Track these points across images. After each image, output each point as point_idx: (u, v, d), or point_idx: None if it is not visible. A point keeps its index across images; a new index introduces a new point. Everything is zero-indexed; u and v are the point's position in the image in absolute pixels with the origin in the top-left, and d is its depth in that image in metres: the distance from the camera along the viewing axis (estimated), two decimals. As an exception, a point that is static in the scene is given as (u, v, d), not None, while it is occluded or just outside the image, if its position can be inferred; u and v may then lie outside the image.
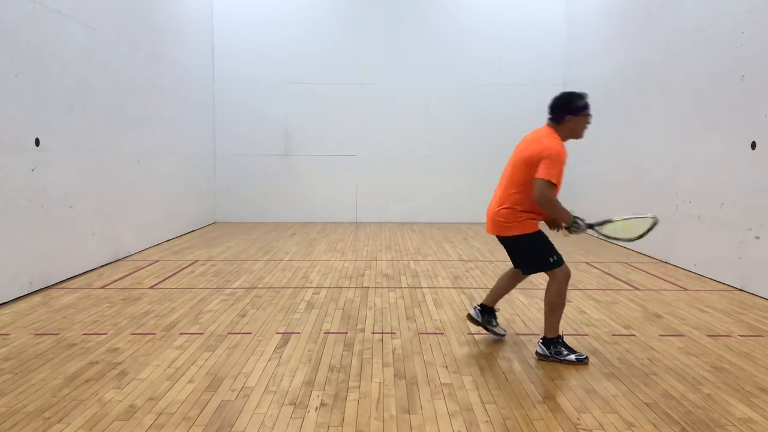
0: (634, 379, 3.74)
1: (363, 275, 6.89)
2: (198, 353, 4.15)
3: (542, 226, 4.18)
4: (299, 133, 12.06)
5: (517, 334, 4.63)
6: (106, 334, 4.58)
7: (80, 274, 6.70)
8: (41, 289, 5.94)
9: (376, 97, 12.01)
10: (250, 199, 12.09)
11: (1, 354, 4.11)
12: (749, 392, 3.54)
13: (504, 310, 5.27)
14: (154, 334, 4.60)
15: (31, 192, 5.81)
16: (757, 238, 5.96)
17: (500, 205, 4.07)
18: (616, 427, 3.08)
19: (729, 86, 6.45)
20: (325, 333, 4.66)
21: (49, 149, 6.10)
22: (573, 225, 3.90)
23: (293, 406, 3.32)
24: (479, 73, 11.96)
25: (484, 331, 4.54)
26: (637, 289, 6.27)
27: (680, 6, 7.58)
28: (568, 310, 5.35)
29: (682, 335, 4.66)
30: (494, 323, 4.47)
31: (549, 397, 3.46)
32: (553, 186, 3.81)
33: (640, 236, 3.94)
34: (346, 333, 4.66)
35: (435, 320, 5.04)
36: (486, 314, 4.45)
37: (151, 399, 3.38)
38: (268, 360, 4.04)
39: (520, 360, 4.08)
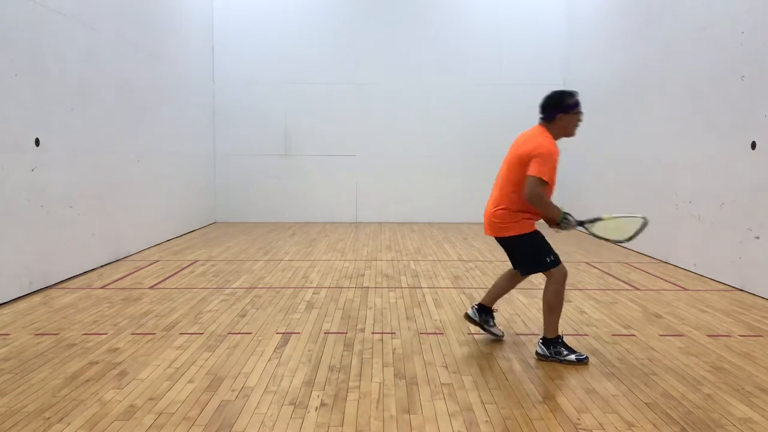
0: (634, 379, 3.74)
1: (363, 275, 6.89)
2: (198, 353, 4.15)
3: (542, 226, 4.18)
4: (299, 133, 12.06)
5: (517, 334, 4.63)
6: (106, 334, 4.58)
7: (80, 274, 6.70)
8: (41, 289, 5.95)
9: (376, 97, 12.01)
10: (250, 199, 12.09)
11: (1, 354, 4.11)
12: (749, 392, 3.54)
13: (504, 310, 5.27)
14: (154, 334, 4.60)
15: (31, 192, 5.81)
16: (757, 238, 5.96)
17: (496, 206, 4.09)
18: (616, 427, 3.08)
19: (729, 86, 6.45)
20: (325, 333, 4.66)
21: (49, 149, 6.10)
22: (563, 221, 3.94)
23: (293, 406, 3.32)
24: (479, 73, 11.96)
25: (484, 331, 4.54)
26: (637, 289, 6.27)
27: (680, 6, 7.58)
28: (568, 310, 5.35)
29: (682, 335, 4.66)
30: (491, 323, 4.47)
31: (549, 397, 3.46)
32: (545, 184, 3.83)
33: (630, 238, 3.97)
34: (346, 333, 4.66)
35: (435, 320, 5.04)
36: (483, 314, 4.45)
37: (151, 399, 3.38)
38: (268, 360, 4.04)
39: (520, 360, 4.08)
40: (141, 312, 5.22)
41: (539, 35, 11.90)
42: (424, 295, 5.92)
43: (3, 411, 3.21)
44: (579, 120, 4.05)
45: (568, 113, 4.00)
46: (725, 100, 6.53)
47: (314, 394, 3.48)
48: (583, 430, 3.06)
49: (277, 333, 4.65)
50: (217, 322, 4.94)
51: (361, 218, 12.27)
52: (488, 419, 3.17)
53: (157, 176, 8.95)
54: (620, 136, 9.29)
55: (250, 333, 4.64)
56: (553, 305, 4.04)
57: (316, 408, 3.29)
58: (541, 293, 5.99)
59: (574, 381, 3.71)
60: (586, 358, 4.03)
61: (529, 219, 4.05)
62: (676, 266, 7.43)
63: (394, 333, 4.67)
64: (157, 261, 7.66)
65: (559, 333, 4.10)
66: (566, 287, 6.29)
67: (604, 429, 3.07)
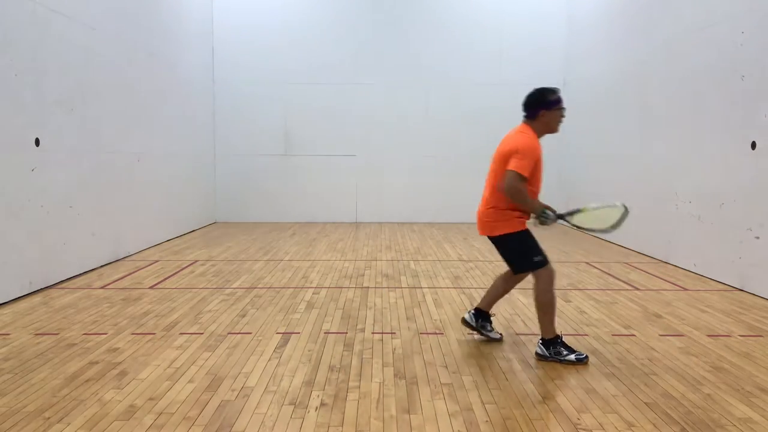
0: (634, 379, 3.74)
1: (363, 275, 6.89)
2: (198, 353, 4.16)
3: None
4: (299, 133, 12.06)
5: (517, 334, 4.63)
6: (106, 334, 4.58)
7: (80, 274, 6.70)
8: (41, 289, 5.95)
9: (376, 97, 12.01)
10: (250, 199, 12.09)
11: (1, 354, 4.11)
12: (749, 392, 3.54)
13: (504, 310, 5.27)
14: (154, 334, 4.60)
15: (31, 192, 5.81)
16: (757, 238, 5.96)
17: (486, 206, 4.15)
18: (616, 427, 3.08)
19: (729, 86, 6.45)
20: (325, 333, 4.66)
21: (49, 149, 6.10)
22: (542, 215, 3.97)
23: (293, 406, 3.32)
24: (479, 72, 11.96)
25: (481, 336, 4.53)
26: (637, 289, 6.27)
27: (680, 6, 7.58)
28: (568, 310, 5.36)
29: (682, 335, 4.66)
30: (489, 328, 4.47)
31: (549, 397, 3.46)
32: (524, 179, 3.88)
33: (613, 226, 3.99)
34: (346, 333, 4.66)
35: (435, 320, 5.04)
36: (480, 318, 4.45)
37: (151, 399, 3.38)
38: (268, 360, 4.04)
39: (520, 360, 4.08)
40: (141, 312, 5.22)
41: (539, 34, 11.90)
42: (424, 295, 5.93)
43: (3, 411, 3.21)
44: (562, 116, 4.13)
45: (550, 110, 4.06)
46: (725, 100, 6.53)
47: (314, 394, 3.48)
48: (583, 430, 3.06)
49: (277, 333, 4.65)
50: (217, 322, 4.94)
51: (361, 218, 12.27)
52: (488, 419, 3.17)
53: (157, 176, 8.96)
54: (620, 136, 9.29)
55: (250, 333, 4.64)
56: (543, 305, 4.05)
57: (316, 408, 3.29)
58: (541, 293, 6.00)
59: (574, 381, 3.71)
60: (586, 357, 4.03)
61: (519, 217, 4.08)
62: (676, 266, 7.44)
63: (394, 333, 4.67)
64: (157, 261, 7.66)
65: (558, 333, 4.10)
66: (567, 287, 6.32)
67: (604, 429, 3.07)
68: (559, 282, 6.53)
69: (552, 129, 4.13)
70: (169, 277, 6.72)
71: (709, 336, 4.64)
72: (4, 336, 4.50)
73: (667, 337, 4.59)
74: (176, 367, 3.88)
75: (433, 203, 12.17)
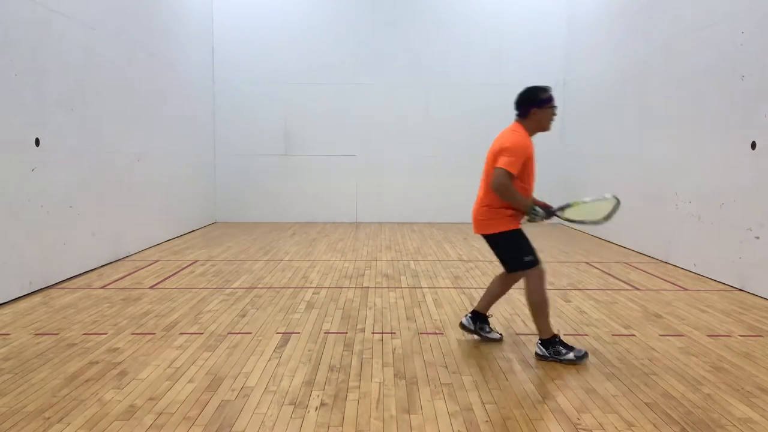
0: (634, 379, 3.74)
1: (363, 275, 6.89)
2: (198, 353, 4.16)
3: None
4: (299, 133, 12.06)
5: (517, 334, 4.63)
6: (106, 334, 4.58)
7: (80, 274, 6.70)
8: (41, 289, 5.95)
9: (376, 97, 12.01)
10: (250, 199, 12.09)
11: (1, 354, 4.11)
12: (749, 392, 3.54)
13: (504, 309, 5.27)
14: (154, 334, 4.60)
15: (31, 192, 5.81)
16: (757, 238, 5.96)
17: (480, 204, 4.19)
18: (616, 427, 3.08)
19: (729, 86, 6.45)
20: (325, 333, 4.66)
21: (49, 149, 6.10)
22: (532, 212, 4.00)
23: (293, 406, 3.32)
24: (479, 72, 11.95)
25: (481, 338, 4.52)
26: (637, 289, 6.27)
27: (680, 6, 7.58)
28: (568, 310, 5.36)
29: (682, 335, 4.66)
30: (487, 329, 4.47)
31: (549, 397, 3.46)
32: (512, 176, 3.91)
33: (606, 217, 4.01)
34: (346, 333, 4.66)
35: (435, 320, 5.04)
36: (478, 321, 4.46)
37: (151, 399, 3.38)
38: (268, 360, 4.04)
39: (520, 360, 4.08)
40: (141, 312, 5.22)
41: (539, 34, 11.89)
42: (424, 295, 5.93)
43: (3, 411, 3.21)
44: (553, 114, 4.14)
45: (542, 108, 4.08)
46: (725, 100, 6.53)
47: (314, 394, 3.48)
48: (583, 430, 3.06)
49: (277, 333, 4.65)
50: (217, 322, 4.94)
51: (361, 218, 12.27)
52: (488, 419, 3.17)
53: (157, 176, 8.96)
54: (620, 136, 9.29)
55: (250, 333, 4.64)
56: (535, 305, 4.07)
57: (316, 408, 3.29)
58: (541, 293, 6.00)
59: (574, 381, 3.71)
60: (586, 353, 4.03)
61: (511, 216, 4.10)
62: (676, 266, 7.44)
63: (394, 333, 4.67)
64: (157, 261, 7.66)
65: (555, 332, 4.10)
66: (567, 287, 6.32)
67: (604, 429, 3.07)
68: (559, 282, 6.54)
69: (544, 127, 4.15)
70: (169, 277, 6.72)
71: (709, 336, 4.64)
72: (4, 336, 4.50)
73: (667, 337, 4.59)
74: (176, 367, 3.88)
75: (433, 203, 12.17)
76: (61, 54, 6.38)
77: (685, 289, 6.25)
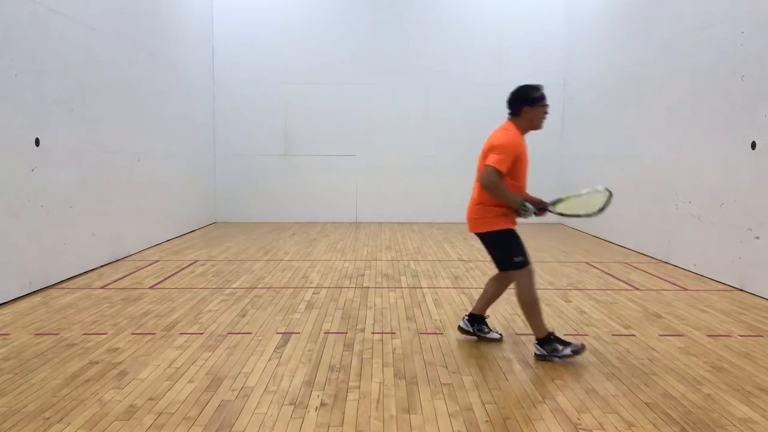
0: (634, 379, 3.74)
1: (363, 275, 6.89)
2: (198, 353, 4.16)
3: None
4: (299, 133, 12.06)
5: (517, 334, 4.63)
6: (106, 334, 4.58)
7: (80, 274, 6.70)
8: (41, 289, 5.95)
9: (376, 96, 12.01)
10: (250, 199, 12.09)
11: (1, 354, 4.11)
12: (749, 392, 3.54)
13: (503, 309, 5.27)
14: (154, 334, 4.60)
15: (31, 192, 5.81)
16: (757, 238, 5.96)
17: (474, 203, 4.22)
18: (616, 427, 3.08)
19: (729, 86, 6.45)
20: (325, 333, 4.66)
21: (49, 149, 6.10)
22: (522, 208, 4.02)
23: (293, 406, 3.32)
24: (479, 72, 11.95)
25: (481, 340, 4.52)
26: (637, 289, 6.27)
27: (680, 6, 7.58)
28: (568, 310, 5.36)
29: (682, 335, 4.66)
30: (486, 330, 4.48)
31: (549, 397, 3.46)
32: (501, 174, 3.95)
33: (600, 210, 4.03)
34: (346, 333, 4.66)
35: (435, 320, 5.04)
36: (476, 323, 4.46)
37: (151, 399, 3.38)
38: (268, 360, 4.04)
39: (520, 360, 4.08)
40: (141, 312, 5.22)
41: (539, 34, 11.89)
42: (424, 295, 5.92)
43: (3, 411, 3.21)
44: (545, 112, 4.16)
45: (534, 106, 4.11)
46: (725, 100, 6.53)
47: (314, 394, 3.48)
48: (583, 430, 3.06)
49: (277, 333, 4.65)
50: (217, 322, 4.94)
51: (361, 218, 12.27)
52: (488, 419, 3.17)
53: (157, 176, 8.96)
54: (620, 135, 9.29)
55: (250, 333, 4.64)
56: (527, 304, 4.10)
57: (316, 408, 3.29)
58: (542, 293, 6.00)
59: (574, 381, 3.71)
60: (582, 346, 4.05)
61: (504, 215, 4.12)
62: (676, 266, 7.43)
63: (394, 333, 4.67)
64: (157, 261, 7.66)
65: (549, 330, 4.12)
66: (567, 287, 6.32)
67: (604, 429, 3.07)
68: (559, 282, 6.55)
69: (535, 125, 4.18)
70: (169, 277, 6.72)
71: (709, 336, 4.64)
72: (4, 336, 4.50)
73: (667, 337, 4.59)
74: (176, 367, 3.88)
75: (433, 203, 12.16)
76: (61, 54, 6.38)
77: (685, 289, 6.25)
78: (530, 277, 4.11)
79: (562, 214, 4.18)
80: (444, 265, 7.57)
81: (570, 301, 5.70)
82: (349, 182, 12.14)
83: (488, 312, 4.58)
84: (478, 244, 9.11)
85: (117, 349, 4.24)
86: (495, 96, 11.68)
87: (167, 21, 9.54)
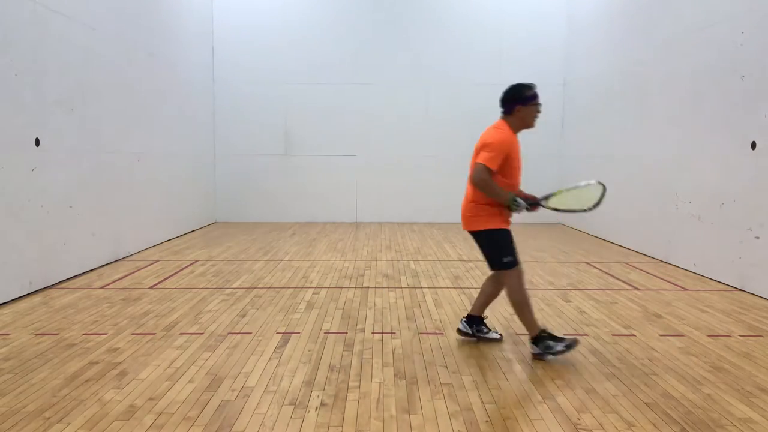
0: (634, 379, 3.74)
1: (363, 275, 6.89)
2: (198, 353, 4.16)
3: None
4: (299, 133, 12.06)
5: (517, 334, 4.63)
6: (106, 334, 4.58)
7: (80, 274, 6.70)
8: (41, 289, 5.95)
9: (376, 96, 12.01)
10: (250, 199, 12.09)
11: (1, 354, 4.11)
12: (749, 392, 3.54)
13: (504, 309, 5.27)
14: (154, 334, 4.60)
15: (31, 192, 5.81)
16: (757, 238, 5.96)
17: (467, 201, 4.26)
18: (616, 427, 3.08)
19: (729, 86, 6.45)
20: (325, 333, 4.66)
21: (49, 149, 6.10)
22: (513, 204, 4.04)
23: (293, 406, 3.32)
24: (479, 72, 11.95)
25: (480, 341, 4.52)
26: (637, 289, 6.27)
27: (680, 6, 7.58)
28: (568, 310, 5.36)
29: (682, 335, 4.66)
30: (485, 330, 4.48)
31: (549, 397, 3.46)
32: (491, 171, 3.98)
33: (596, 205, 4.05)
34: (346, 333, 4.66)
35: (435, 320, 5.04)
36: (474, 324, 4.46)
37: (151, 399, 3.38)
38: (268, 360, 4.04)
39: (520, 360, 4.08)
40: (141, 312, 5.22)
41: (539, 34, 11.89)
42: (424, 295, 5.92)
43: (3, 411, 3.21)
44: (538, 111, 4.19)
45: (526, 105, 4.13)
46: (725, 100, 6.53)
47: (314, 394, 3.48)
48: (583, 430, 3.06)
49: (277, 333, 4.65)
50: (217, 322, 4.94)
51: (361, 218, 12.27)
52: (488, 419, 3.17)
53: (157, 176, 8.96)
54: (620, 135, 9.29)
55: (250, 333, 4.64)
56: (517, 304, 4.13)
57: (316, 408, 3.29)
58: (541, 293, 6.02)
59: (574, 381, 3.71)
60: (575, 341, 4.07)
61: (497, 215, 4.15)
62: (676, 266, 7.44)
63: (394, 333, 4.67)
64: (157, 261, 7.66)
65: (541, 327, 4.14)
66: (567, 287, 6.33)
67: (604, 429, 3.07)
68: (559, 282, 6.55)
69: (528, 124, 4.20)
70: (169, 277, 6.72)
71: (709, 336, 4.64)
72: (4, 336, 4.50)
73: (667, 337, 4.59)
74: (176, 367, 3.88)
75: (433, 203, 12.16)
76: (61, 54, 6.38)
77: (685, 289, 6.25)
78: (519, 277, 4.15)
79: (556, 210, 4.19)
80: (444, 265, 7.57)
81: (570, 301, 5.70)
82: (349, 182, 12.14)
83: (487, 312, 4.58)
84: (478, 244, 9.13)
85: (117, 349, 4.24)
86: (495, 96, 11.66)
87: (167, 21, 9.55)
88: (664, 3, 8.02)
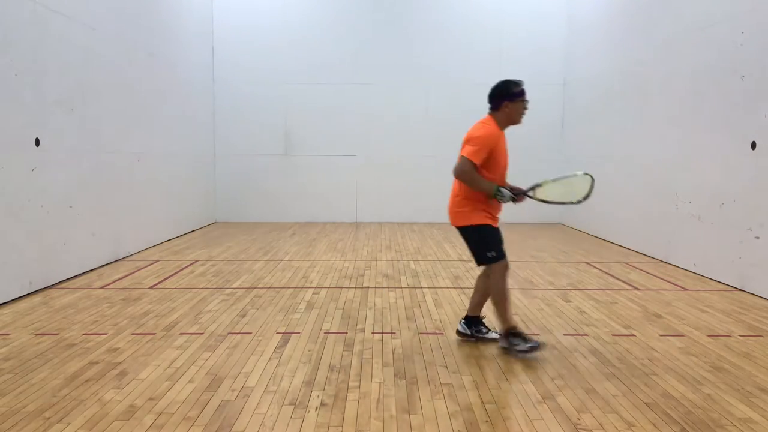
0: (634, 379, 3.74)
1: (363, 275, 6.89)
2: (198, 353, 4.16)
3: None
4: (299, 133, 12.06)
5: (517, 334, 4.62)
6: (106, 334, 4.58)
7: (80, 274, 6.70)
8: (41, 289, 5.95)
9: (376, 96, 12.01)
10: (250, 199, 12.09)
11: (1, 354, 4.11)
12: (749, 392, 3.54)
13: (504, 310, 5.27)
14: (154, 334, 4.60)
15: (31, 192, 5.81)
16: (757, 238, 5.96)
17: (454, 195, 4.32)
18: (616, 427, 3.08)
19: (729, 86, 6.45)
20: (325, 333, 4.66)
21: (49, 149, 6.10)
22: (497, 194, 4.09)
23: (293, 406, 3.32)
24: (479, 72, 11.93)
25: (480, 341, 4.52)
26: (637, 289, 6.27)
27: (680, 6, 7.58)
28: (568, 310, 5.36)
29: (682, 335, 4.66)
30: (484, 330, 4.48)
31: (549, 397, 3.46)
32: (474, 165, 4.04)
33: (586, 197, 4.12)
34: (346, 333, 4.66)
35: (435, 320, 5.04)
36: (473, 325, 4.46)
37: (151, 399, 3.38)
38: (268, 360, 4.04)
39: (520, 360, 4.08)
40: (141, 312, 5.22)
41: (539, 34, 11.89)
42: (424, 295, 5.92)
43: (3, 411, 3.21)
44: (525, 108, 4.23)
45: (513, 101, 4.17)
46: (725, 100, 6.53)
47: (314, 394, 3.48)
48: (583, 430, 3.06)
49: (277, 333, 4.65)
50: (217, 322, 4.94)
51: (361, 218, 12.27)
52: (488, 419, 3.17)
53: (157, 176, 8.96)
54: (620, 135, 9.29)
55: (250, 333, 4.64)
56: (495, 297, 4.22)
57: (316, 408, 3.29)
58: (541, 293, 6.02)
59: (574, 381, 3.71)
60: (538, 344, 4.12)
61: (483, 211, 4.20)
62: (676, 266, 7.44)
63: (394, 333, 4.67)
64: (157, 261, 7.66)
65: (513, 324, 4.22)
66: (567, 287, 6.33)
67: (604, 429, 3.07)
68: (559, 282, 6.55)
69: (514, 120, 4.23)
70: (169, 277, 6.72)
71: (709, 336, 4.64)
72: (4, 336, 4.50)
73: (667, 337, 4.59)
74: (176, 367, 3.88)
75: (433, 203, 12.10)
76: (61, 54, 6.38)
77: (685, 289, 6.25)
78: (502, 272, 4.21)
79: (544, 201, 4.23)
80: (444, 265, 7.57)
81: (570, 301, 5.70)
82: (349, 182, 12.14)
83: (485, 312, 4.58)
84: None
85: (117, 349, 4.24)
86: (495, 96, 11.82)
87: (167, 21, 9.55)
88: (664, 3, 8.02)
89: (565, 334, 4.62)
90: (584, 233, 10.48)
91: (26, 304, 5.41)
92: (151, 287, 6.20)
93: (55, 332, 4.59)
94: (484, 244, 4.22)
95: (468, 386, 3.61)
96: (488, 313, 4.61)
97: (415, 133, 12.07)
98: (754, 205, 6.01)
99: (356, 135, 12.06)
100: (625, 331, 4.74)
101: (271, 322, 4.93)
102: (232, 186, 12.04)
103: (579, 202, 4.14)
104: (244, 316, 5.13)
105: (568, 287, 6.31)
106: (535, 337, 4.26)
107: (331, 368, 3.89)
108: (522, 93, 4.18)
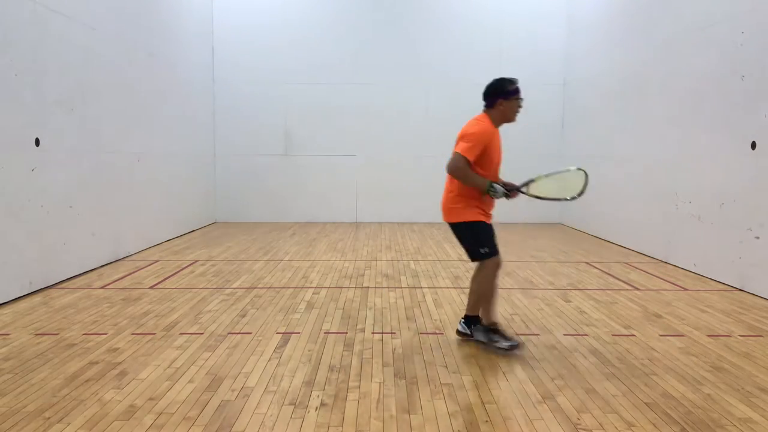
0: (634, 379, 3.74)
1: (363, 275, 6.89)
2: (198, 353, 4.16)
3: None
4: (299, 133, 12.06)
5: (517, 334, 4.62)
6: (106, 334, 4.58)
7: (80, 274, 6.70)
8: (41, 289, 5.94)
9: (376, 96, 12.01)
10: (250, 199, 12.09)
11: (1, 354, 4.11)
12: (749, 392, 3.54)
13: (503, 310, 5.27)
14: (154, 334, 4.60)
15: (31, 192, 5.81)
16: (757, 238, 5.96)
17: (447, 191, 4.36)
18: (616, 427, 3.08)
19: (729, 86, 6.45)
20: (325, 333, 4.66)
21: (49, 149, 6.10)
22: (490, 190, 4.11)
23: (293, 406, 3.32)
24: (479, 72, 11.86)
25: None
26: (637, 289, 6.27)
27: (680, 6, 7.58)
28: (568, 310, 5.36)
29: (682, 335, 4.66)
30: (496, 339, 4.46)
31: (549, 397, 3.46)
32: (467, 161, 4.07)
33: (580, 193, 4.13)
34: (346, 333, 4.66)
35: (435, 320, 5.04)
36: (473, 324, 4.46)
37: (151, 399, 3.38)
38: (268, 360, 4.04)
39: (520, 360, 4.08)
40: (141, 312, 5.22)
41: (539, 34, 11.89)
42: (424, 295, 5.93)
43: (3, 411, 3.21)
44: (519, 106, 4.26)
45: (508, 99, 4.21)
46: (725, 100, 6.53)
47: (314, 394, 3.48)
48: (583, 430, 3.06)
49: (277, 333, 4.65)
50: (217, 322, 4.94)
51: (361, 218, 12.27)
52: (488, 419, 3.17)
53: (157, 176, 8.96)
54: (620, 135, 9.29)
55: (250, 333, 4.64)
56: (479, 290, 4.26)
57: (316, 408, 3.29)
58: (541, 293, 6.02)
59: (574, 381, 3.71)
60: (517, 344, 4.15)
61: (476, 207, 4.22)
62: (676, 266, 7.44)
63: (394, 333, 4.67)
64: (157, 261, 7.66)
65: (495, 320, 4.29)
66: (567, 287, 6.33)
67: (604, 429, 3.07)
68: (559, 282, 6.55)
69: (509, 118, 4.26)
70: (169, 277, 6.72)
71: (709, 336, 4.64)
72: (4, 336, 4.50)
73: (667, 337, 4.60)
74: (176, 367, 3.88)
75: (433, 203, 11.99)
76: (61, 54, 6.38)
77: (685, 289, 6.25)
78: (494, 268, 4.22)
79: (538, 197, 4.23)
80: (444, 265, 7.57)
81: (570, 301, 5.70)
82: (349, 182, 12.14)
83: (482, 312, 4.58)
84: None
85: (117, 349, 4.24)
86: (495, 96, 11.81)
87: (167, 21, 9.55)
88: (664, 3, 8.02)
89: (565, 334, 4.61)
90: (584, 233, 10.48)
91: (26, 304, 5.41)
92: (151, 287, 6.20)
93: (55, 332, 4.59)
94: (478, 240, 4.23)
95: (468, 386, 3.61)
96: (485, 313, 4.60)
97: (415, 133, 12.07)
98: (754, 205, 6.01)
99: (356, 135, 12.06)
100: (625, 331, 4.75)
101: (271, 322, 4.93)
102: (232, 186, 12.04)
103: (573, 198, 4.14)
104: (244, 316, 5.13)
105: (568, 287, 6.31)
106: (533, 338, 4.26)
107: (331, 368, 3.89)
108: (517, 91, 4.20)
